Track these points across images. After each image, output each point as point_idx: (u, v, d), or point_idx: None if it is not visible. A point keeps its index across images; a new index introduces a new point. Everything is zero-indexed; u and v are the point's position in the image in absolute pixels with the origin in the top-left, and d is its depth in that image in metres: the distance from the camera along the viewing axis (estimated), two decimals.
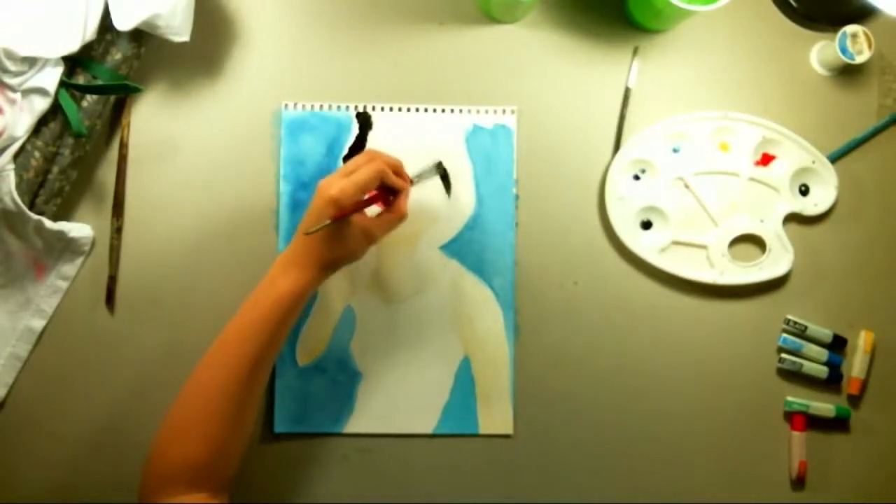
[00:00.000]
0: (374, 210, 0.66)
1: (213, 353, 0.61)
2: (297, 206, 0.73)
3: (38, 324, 0.71)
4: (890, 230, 0.76)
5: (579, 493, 0.73)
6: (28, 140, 0.65)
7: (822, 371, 0.74)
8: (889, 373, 0.75)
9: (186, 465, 0.57)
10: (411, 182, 0.68)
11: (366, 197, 0.63)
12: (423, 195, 0.73)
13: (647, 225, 0.75)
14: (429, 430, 0.72)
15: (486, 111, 0.75)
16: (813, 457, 0.74)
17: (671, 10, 0.68)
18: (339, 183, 0.60)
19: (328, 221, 0.59)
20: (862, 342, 0.75)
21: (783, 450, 0.74)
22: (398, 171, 0.65)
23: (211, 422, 0.58)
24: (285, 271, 0.61)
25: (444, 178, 0.74)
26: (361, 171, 0.61)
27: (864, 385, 0.75)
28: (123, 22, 0.65)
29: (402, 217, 0.65)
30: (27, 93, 0.64)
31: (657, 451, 0.74)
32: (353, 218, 0.61)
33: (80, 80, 0.67)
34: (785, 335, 0.74)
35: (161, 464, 0.58)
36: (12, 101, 0.64)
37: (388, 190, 0.65)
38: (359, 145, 0.74)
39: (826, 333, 0.74)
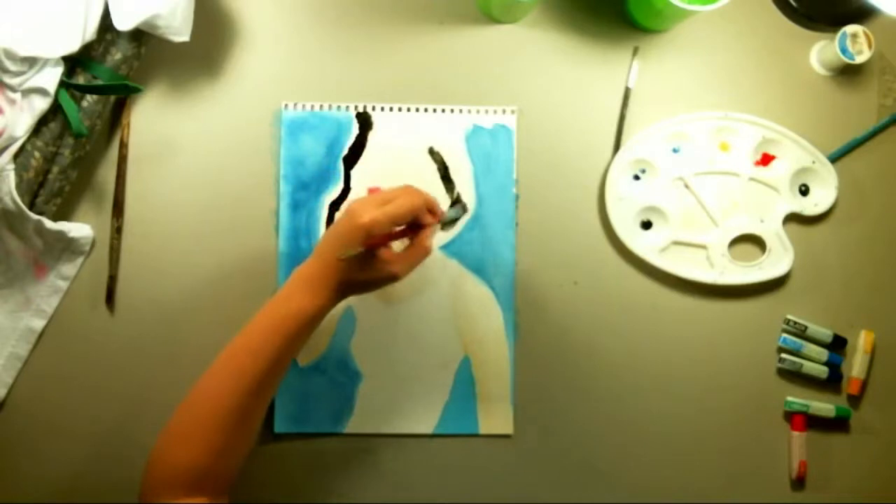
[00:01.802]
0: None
1: (221, 363, 0.60)
2: (297, 206, 0.73)
3: (39, 324, 0.71)
4: (890, 230, 0.76)
5: (579, 493, 0.73)
6: (28, 140, 0.65)
7: (822, 371, 0.74)
8: (889, 373, 0.75)
9: (187, 469, 0.57)
10: (440, 221, 0.65)
11: (395, 230, 0.61)
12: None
13: (647, 225, 0.75)
14: (429, 430, 0.72)
15: (486, 111, 0.75)
16: (813, 457, 0.74)
17: (671, 10, 0.68)
18: (373, 212, 0.58)
19: (361, 249, 0.57)
20: (862, 342, 0.75)
21: (783, 450, 0.74)
22: (433, 209, 0.63)
23: (214, 430, 0.58)
24: (304, 289, 0.60)
25: (449, 181, 0.74)
26: (397, 204, 0.59)
27: (864, 385, 0.75)
28: (123, 22, 0.65)
29: (427, 253, 0.63)
30: (27, 93, 0.64)
31: (657, 451, 0.74)
32: (377, 251, 0.60)
33: (80, 80, 0.67)
34: (785, 335, 0.74)
35: (162, 467, 0.58)
36: (12, 101, 0.64)
37: (415, 225, 0.63)
38: (359, 145, 0.74)
39: (826, 333, 0.74)
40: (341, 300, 0.62)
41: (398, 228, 0.61)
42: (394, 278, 0.61)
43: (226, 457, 0.59)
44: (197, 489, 0.57)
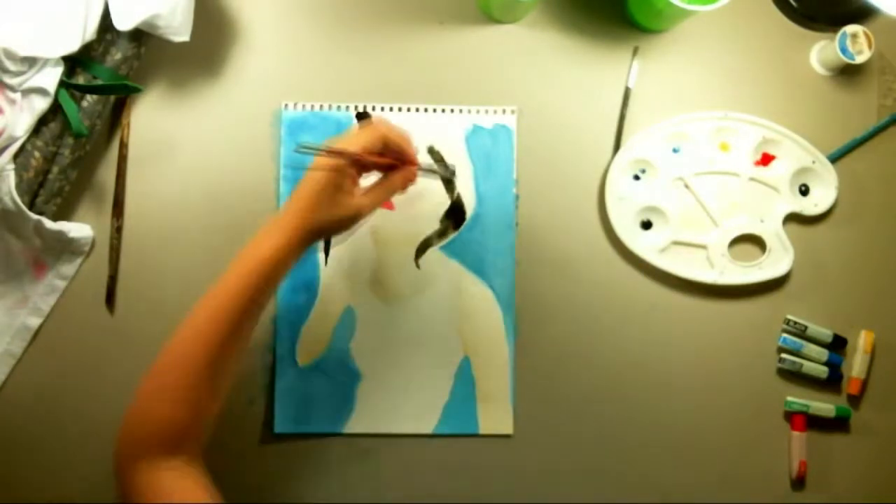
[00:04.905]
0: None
1: (196, 313, 0.59)
2: None
3: (35, 322, 0.71)
4: (890, 230, 0.76)
5: (579, 493, 0.73)
6: (28, 140, 0.65)
7: (822, 371, 0.74)
8: (889, 373, 0.75)
9: (169, 424, 0.56)
10: (419, 166, 0.64)
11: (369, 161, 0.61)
12: (423, 196, 0.73)
13: (647, 225, 0.75)
14: (429, 430, 0.72)
15: (486, 111, 0.75)
16: (813, 457, 0.74)
17: (671, 10, 0.68)
18: (340, 142, 0.59)
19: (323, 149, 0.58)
20: (862, 342, 0.75)
21: (783, 450, 0.74)
22: (402, 144, 0.63)
23: (194, 380, 0.57)
24: (272, 231, 0.60)
25: (449, 182, 0.74)
26: (363, 132, 0.60)
27: (864, 385, 0.75)
28: (123, 22, 0.65)
29: (392, 189, 0.63)
30: (27, 93, 0.64)
31: (657, 450, 0.74)
32: (344, 184, 0.60)
33: (80, 80, 0.67)
34: (785, 335, 0.74)
35: (141, 425, 0.57)
36: (12, 101, 0.64)
37: (389, 167, 0.63)
38: None
39: (826, 333, 0.74)
40: (313, 241, 0.61)
41: (368, 160, 0.61)
42: (358, 215, 0.61)
43: (203, 412, 0.58)
44: (176, 448, 0.57)
